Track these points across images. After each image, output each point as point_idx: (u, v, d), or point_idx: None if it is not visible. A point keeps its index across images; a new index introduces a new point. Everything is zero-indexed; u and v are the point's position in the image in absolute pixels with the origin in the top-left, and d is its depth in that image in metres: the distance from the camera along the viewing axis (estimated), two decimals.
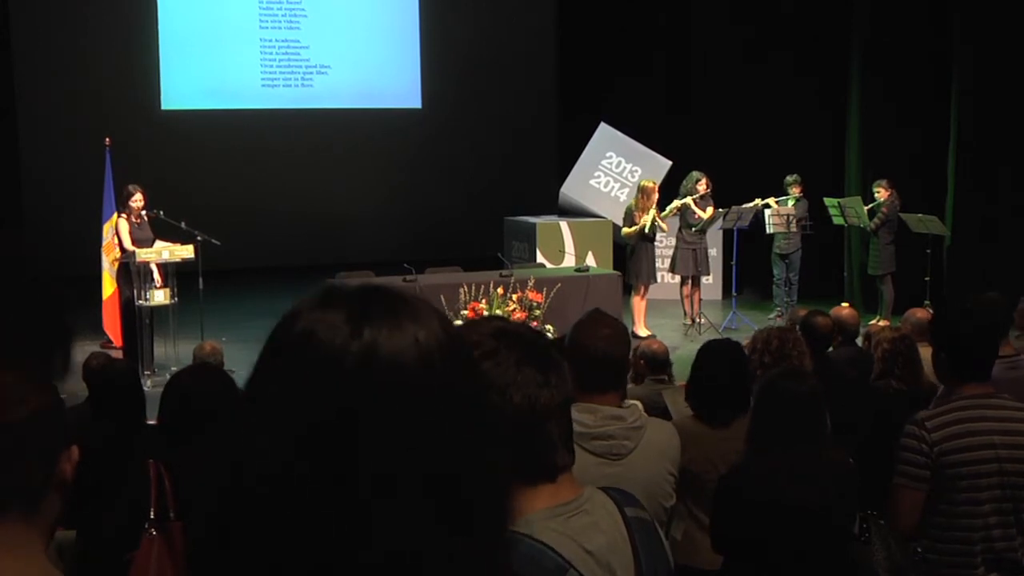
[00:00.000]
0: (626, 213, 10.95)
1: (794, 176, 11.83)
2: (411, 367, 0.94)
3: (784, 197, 11.79)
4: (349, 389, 0.93)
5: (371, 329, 0.95)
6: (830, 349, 5.92)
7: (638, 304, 10.88)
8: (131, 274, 9.07)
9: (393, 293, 1.01)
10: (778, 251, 11.87)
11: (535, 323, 9.85)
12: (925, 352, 4.84)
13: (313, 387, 0.93)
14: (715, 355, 4.08)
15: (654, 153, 12.56)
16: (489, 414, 1.02)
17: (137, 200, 9.24)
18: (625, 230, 10.87)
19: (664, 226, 10.99)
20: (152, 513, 2.86)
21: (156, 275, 9.09)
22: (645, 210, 10.74)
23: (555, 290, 9.98)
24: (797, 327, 5.48)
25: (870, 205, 11.33)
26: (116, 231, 9.30)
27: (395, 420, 0.93)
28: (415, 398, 0.94)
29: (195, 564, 0.99)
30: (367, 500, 0.91)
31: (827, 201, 11.70)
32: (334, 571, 0.91)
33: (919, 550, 3.40)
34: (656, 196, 10.86)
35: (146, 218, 9.32)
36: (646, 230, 10.79)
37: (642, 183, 11.04)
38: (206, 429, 3.05)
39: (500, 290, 9.87)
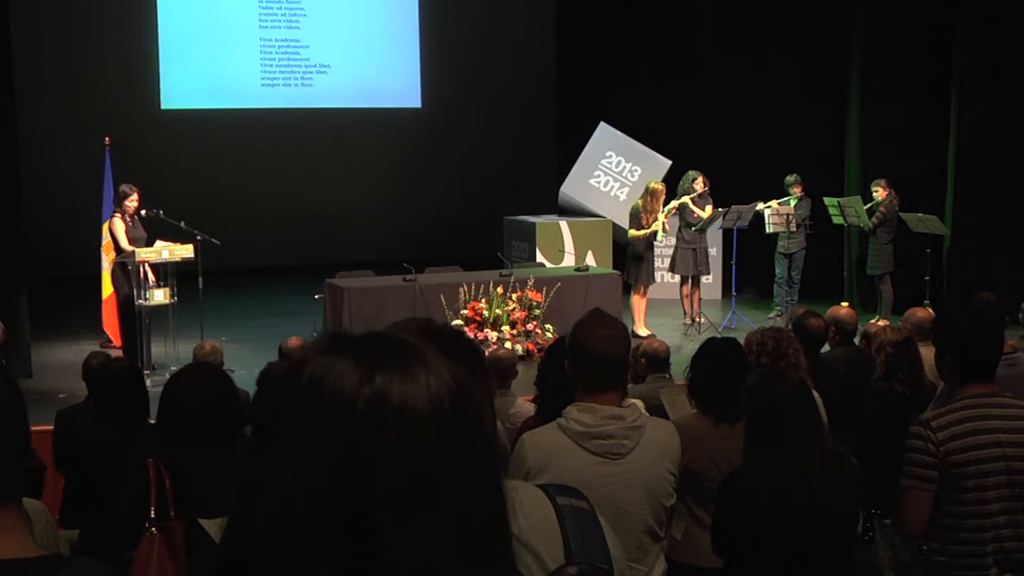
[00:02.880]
0: (632, 214, 10.91)
1: (794, 176, 11.82)
2: (422, 414, 0.96)
3: (786, 198, 11.79)
4: (360, 436, 0.94)
5: (381, 376, 0.96)
6: (826, 349, 5.92)
7: (638, 304, 10.87)
8: (128, 274, 9.08)
9: (399, 340, 1.02)
10: (782, 250, 11.86)
11: (535, 323, 9.87)
12: (926, 351, 4.87)
13: (324, 434, 0.94)
14: (718, 352, 4.08)
15: (654, 152, 12.55)
16: (495, 452, 1.04)
17: (133, 200, 9.24)
18: (633, 232, 10.82)
19: (667, 226, 10.99)
20: (153, 512, 2.86)
21: (150, 275, 9.08)
22: (653, 212, 10.72)
23: (555, 290, 9.99)
24: (790, 326, 5.50)
25: (868, 204, 11.33)
26: (112, 231, 9.31)
27: (406, 466, 0.94)
28: (426, 444, 0.95)
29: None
30: (379, 544, 0.92)
31: (827, 200, 11.69)
32: None
33: (925, 548, 3.39)
34: (664, 197, 10.86)
35: (137, 217, 9.33)
36: (658, 236, 10.78)
37: (650, 185, 11.01)
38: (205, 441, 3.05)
39: (500, 290, 9.88)
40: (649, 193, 10.87)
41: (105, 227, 9.66)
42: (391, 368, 0.97)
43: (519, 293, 9.92)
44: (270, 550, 0.94)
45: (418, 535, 0.93)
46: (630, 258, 10.95)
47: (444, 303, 9.74)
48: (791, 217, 11.59)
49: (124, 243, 9.15)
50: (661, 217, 10.69)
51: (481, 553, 0.97)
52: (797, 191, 11.79)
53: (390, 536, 0.92)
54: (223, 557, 0.99)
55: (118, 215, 9.25)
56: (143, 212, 9.37)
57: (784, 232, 11.69)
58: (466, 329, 9.62)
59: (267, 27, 15.91)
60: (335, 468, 0.93)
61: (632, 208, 11.05)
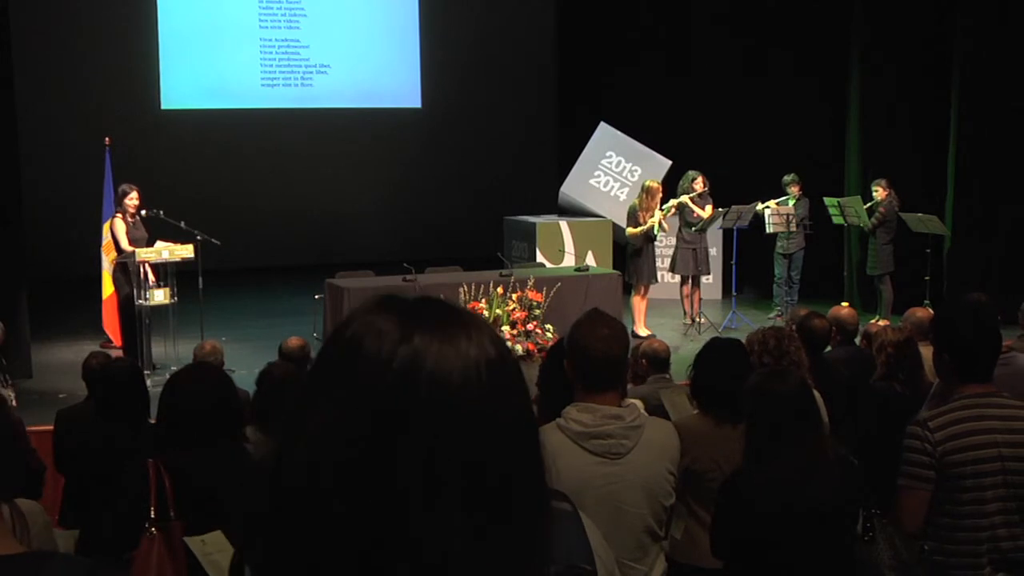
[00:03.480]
0: (629, 213, 10.91)
1: (791, 175, 11.81)
2: (456, 379, 0.95)
3: (784, 198, 11.77)
4: (392, 396, 0.93)
5: (420, 338, 0.96)
6: (827, 350, 5.93)
7: (638, 304, 10.87)
8: (128, 274, 9.08)
9: (446, 305, 1.01)
10: (781, 250, 11.85)
11: (535, 323, 9.86)
12: (926, 351, 4.87)
13: (358, 392, 0.94)
14: (721, 353, 4.08)
15: (654, 152, 12.55)
16: (531, 424, 1.02)
17: (133, 199, 9.24)
18: (630, 231, 10.82)
19: (666, 226, 10.98)
20: (153, 512, 2.86)
21: (150, 275, 9.08)
22: (650, 210, 10.70)
23: (555, 290, 9.98)
24: (793, 326, 5.50)
25: (868, 204, 11.33)
26: (112, 231, 9.30)
27: (436, 429, 0.93)
28: (457, 410, 0.94)
29: (239, 561, 1.01)
30: (405, 503, 0.92)
31: (827, 200, 11.68)
32: (376, 569, 0.92)
33: (925, 547, 3.40)
34: (660, 196, 10.85)
35: (139, 217, 9.33)
36: (655, 232, 10.77)
37: (646, 183, 11.00)
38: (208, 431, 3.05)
39: (500, 290, 9.87)
40: (645, 191, 10.86)
41: (106, 227, 9.66)
42: (432, 331, 0.96)
43: (519, 293, 9.92)
44: (294, 513, 0.94)
45: (444, 504, 0.92)
46: (630, 257, 10.95)
47: None
48: (791, 217, 11.58)
49: (124, 243, 9.15)
50: (658, 214, 10.68)
51: (497, 519, 0.95)
52: (795, 191, 11.78)
53: (415, 501, 0.92)
54: (248, 527, 1.00)
55: (119, 215, 9.25)
56: (143, 212, 9.36)
57: (783, 232, 11.69)
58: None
59: (267, 27, 15.91)
60: (365, 428, 0.93)
61: (629, 207, 11.04)
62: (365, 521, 0.92)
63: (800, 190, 11.78)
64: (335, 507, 0.92)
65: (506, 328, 9.70)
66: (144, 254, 8.96)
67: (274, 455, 0.98)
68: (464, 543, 0.93)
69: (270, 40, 15.93)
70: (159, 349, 9.33)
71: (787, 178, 11.81)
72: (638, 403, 3.18)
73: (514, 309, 9.83)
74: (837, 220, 11.64)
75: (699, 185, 11.11)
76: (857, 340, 6.38)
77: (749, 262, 11.87)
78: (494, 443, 0.96)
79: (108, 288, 9.76)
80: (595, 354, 2.98)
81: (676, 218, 11.30)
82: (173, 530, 2.85)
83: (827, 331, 5.59)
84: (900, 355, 5.05)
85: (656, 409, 4.17)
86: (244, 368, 8.20)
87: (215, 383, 3.19)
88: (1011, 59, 11.15)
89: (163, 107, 15.43)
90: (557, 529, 1.75)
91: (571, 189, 12.65)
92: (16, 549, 1.43)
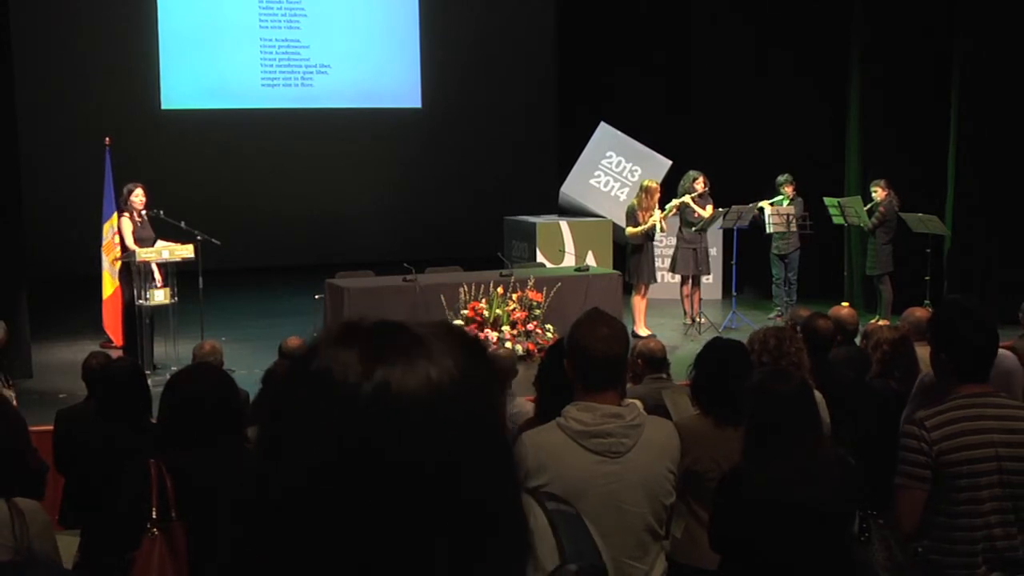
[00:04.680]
0: (629, 213, 10.91)
1: (785, 176, 11.81)
2: (422, 405, 0.96)
3: (778, 198, 11.77)
4: (361, 428, 0.94)
5: (384, 368, 0.96)
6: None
7: (638, 304, 10.87)
8: (132, 273, 9.08)
9: (408, 331, 1.02)
10: (776, 251, 11.86)
11: (535, 323, 9.87)
12: (924, 351, 4.87)
13: (326, 425, 0.95)
14: (722, 353, 4.08)
15: (654, 152, 12.55)
16: (504, 444, 1.03)
17: (138, 195, 9.24)
18: (630, 230, 10.82)
19: (664, 225, 10.98)
20: (154, 512, 2.86)
21: (156, 275, 9.10)
22: (649, 209, 10.70)
23: (555, 290, 9.99)
24: (797, 327, 5.49)
25: (868, 205, 11.33)
26: (118, 230, 9.30)
27: (407, 456, 0.94)
28: (426, 435, 0.95)
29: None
30: (381, 533, 0.93)
31: (827, 201, 11.68)
32: None
33: (920, 549, 3.40)
34: (659, 195, 10.85)
35: (146, 216, 9.34)
36: (657, 230, 10.77)
37: (645, 183, 11.01)
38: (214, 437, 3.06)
39: (500, 290, 9.88)
40: (643, 191, 10.87)
41: (106, 227, 9.66)
42: (394, 360, 0.97)
43: (519, 293, 9.92)
44: (269, 545, 0.94)
45: (424, 525, 0.93)
46: (630, 257, 10.95)
47: (444, 303, 9.74)
48: (791, 217, 11.58)
49: (130, 242, 9.16)
50: (657, 213, 10.69)
51: (474, 543, 0.96)
52: (789, 191, 11.77)
53: (393, 524, 0.93)
54: (225, 555, 1.00)
55: (126, 214, 9.26)
56: (144, 212, 9.37)
57: (778, 233, 11.70)
58: (466, 329, 9.63)
59: (267, 27, 15.91)
60: (334, 463, 0.93)
61: (628, 207, 11.05)
62: (345, 544, 0.93)
63: (794, 190, 11.78)
64: (314, 533, 0.93)
65: (506, 328, 9.71)
66: (144, 254, 8.97)
67: (251, 480, 0.99)
68: (449, 561, 0.94)
69: (270, 40, 15.94)
70: (159, 349, 9.34)
71: (781, 178, 11.80)
72: (637, 403, 3.19)
73: (514, 309, 9.84)
74: (837, 220, 11.64)
75: (700, 185, 11.12)
76: (857, 340, 6.38)
77: (749, 262, 11.87)
78: (468, 457, 0.97)
79: (108, 288, 9.76)
80: (595, 354, 2.98)
81: (676, 218, 11.30)
82: (175, 530, 2.85)
83: (831, 332, 5.59)
84: (895, 353, 5.07)
85: (655, 409, 4.17)
86: (244, 368, 8.20)
87: (215, 383, 3.19)
88: (1011, 59, 11.15)
89: (163, 107, 15.44)
90: (567, 531, 1.76)
91: (571, 189, 12.65)
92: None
